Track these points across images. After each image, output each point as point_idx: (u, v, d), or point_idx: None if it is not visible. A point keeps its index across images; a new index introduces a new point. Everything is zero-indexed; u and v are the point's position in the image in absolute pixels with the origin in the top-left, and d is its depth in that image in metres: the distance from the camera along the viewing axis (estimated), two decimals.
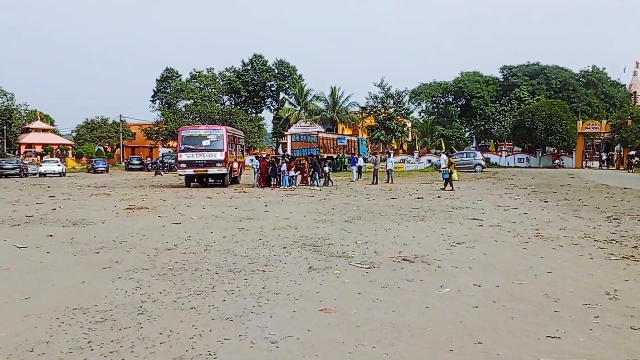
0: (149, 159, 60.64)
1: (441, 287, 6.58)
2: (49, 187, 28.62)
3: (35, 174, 46.66)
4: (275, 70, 74.82)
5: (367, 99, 60.85)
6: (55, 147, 71.65)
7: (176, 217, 13.91)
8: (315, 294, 6.34)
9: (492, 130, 64.47)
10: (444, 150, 45.25)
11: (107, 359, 4.36)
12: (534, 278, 7.09)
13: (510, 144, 66.34)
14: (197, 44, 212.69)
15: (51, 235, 10.84)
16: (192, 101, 70.13)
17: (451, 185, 23.34)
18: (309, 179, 27.89)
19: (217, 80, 75.70)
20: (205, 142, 26.84)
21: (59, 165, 48.18)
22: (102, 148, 75.07)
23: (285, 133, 61.19)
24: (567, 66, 67.68)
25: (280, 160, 28.84)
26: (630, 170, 43.12)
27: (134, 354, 4.45)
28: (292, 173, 27.56)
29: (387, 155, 36.34)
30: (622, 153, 54.04)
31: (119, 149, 78.07)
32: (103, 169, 52.98)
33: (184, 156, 26.93)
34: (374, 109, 60.03)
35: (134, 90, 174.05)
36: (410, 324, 5.23)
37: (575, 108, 59.69)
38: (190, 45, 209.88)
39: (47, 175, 45.88)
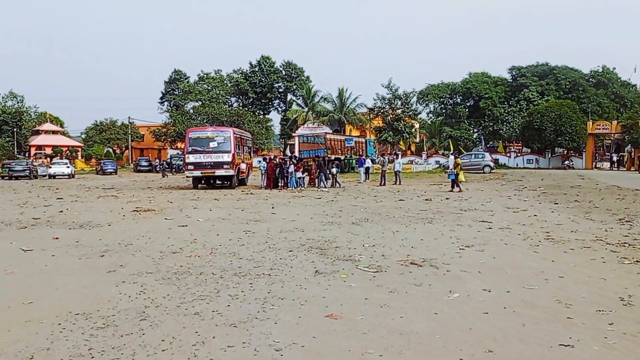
0: (157, 160, 60.80)
1: (450, 292, 6.44)
2: (57, 189, 28.68)
3: (44, 176, 46.86)
4: (283, 72, 74.77)
5: (374, 100, 60.72)
6: (64, 149, 71.96)
7: (182, 220, 13.83)
8: (321, 299, 6.22)
9: (501, 131, 64.03)
10: (452, 151, 45.01)
11: None
12: (545, 283, 6.94)
13: (519, 145, 65.87)
14: (204, 45, 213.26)
15: (57, 238, 10.79)
16: (200, 103, 70.21)
17: (458, 186, 23.18)
18: (316, 180, 27.77)
19: (225, 82, 75.77)
20: (212, 144, 26.80)
21: (68, 167, 48.40)
22: (111, 150, 75.33)
23: (293, 134, 61.14)
24: (577, 66, 67.21)
25: (288, 162, 28.74)
26: None
27: None
28: (299, 175, 27.45)
29: (394, 157, 36.19)
30: (633, 154, 53.50)
31: (127, 151, 78.31)
32: (112, 170, 53.14)
33: (191, 158, 26.90)
34: (382, 110, 59.82)
35: (142, 92, 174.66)
36: (419, 330, 5.11)
37: (585, 108, 59.19)
38: (198, 47, 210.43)
39: (57, 177, 46.07)
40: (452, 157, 25.41)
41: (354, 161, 44.02)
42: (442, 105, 68.01)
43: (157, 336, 4.93)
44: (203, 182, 28.32)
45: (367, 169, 33.80)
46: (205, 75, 75.56)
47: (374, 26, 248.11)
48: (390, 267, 7.88)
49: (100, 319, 5.46)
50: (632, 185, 25.94)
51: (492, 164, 44.91)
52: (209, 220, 13.77)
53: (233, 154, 26.70)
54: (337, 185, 27.66)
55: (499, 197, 20.10)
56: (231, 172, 26.93)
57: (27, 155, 67.52)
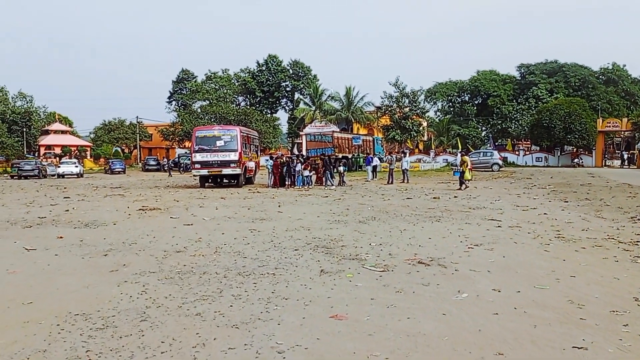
0: (165, 159, 60.90)
1: (459, 292, 6.27)
2: (65, 188, 28.71)
3: (53, 175, 47.01)
4: (290, 71, 74.63)
5: (382, 98, 60.30)
6: (73, 149, 72.26)
7: (188, 218, 13.73)
8: (326, 299, 6.07)
9: (509, 129, 63.53)
10: (460, 149, 44.71)
11: None
12: (556, 282, 6.76)
13: (528, 143, 65.39)
14: (211, 45, 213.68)
15: (61, 237, 10.71)
16: (208, 102, 70.22)
17: (462, 183, 23.03)
18: (323, 179, 27.62)
19: (232, 81, 75.77)
20: (219, 143, 26.70)
21: (76, 166, 48.54)
22: (119, 149, 75.55)
23: (300, 133, 61.05)
24: (586, 64, 66.64)
25: (295, 160, 28.60)
26: None
27: None
28: (307, 173, 27.30)
29: (402, 155, 35.93)
30: None
31: (136, 150, 78.49)
32: (120, 169, 53.23)
33: (198, 157, 26.82)
34: (389, 109, 59.48)
35: (150, 92, 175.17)
36: (426, 332, 4.95)
37: (594, 106, 58.66)
38: (205, 48, 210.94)
39: (65, 176, 46.21)
40: (459, 155, 25.23)
41: (361, 160, 43.86)
42: (450, 104, 67.60)
43: (156, 338, 4.80)
44: (210, 181, 28.26)
45: (375, 167, 33.63)
46: (212, 75, 75.60)
47: (382, 25, 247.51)
48: (397, 266, 7.72)
49: (99, 319, 5.34)
50: None
51: (500, 162, 44.58)
52: (215, 219, 13.66)
53: (240, 153, 26.60)
54: (343, 183, 27.51)
55: (508, 196, 19.86)
56: (238, 171, 26.83)
57: (36, 155, 67.85)
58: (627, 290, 6.33)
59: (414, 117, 59.73)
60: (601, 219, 12.81)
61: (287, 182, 27.23)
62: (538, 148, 60.12)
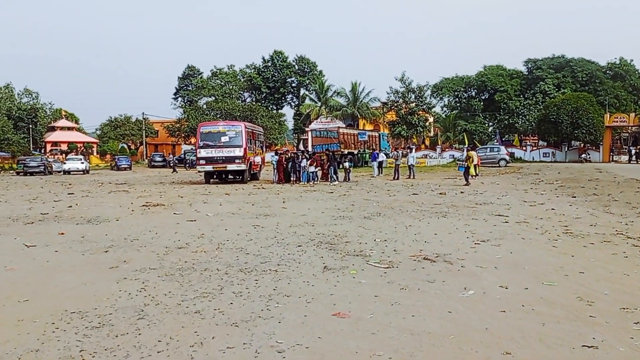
0: (171, 156, 60.93)
1: (465, 289, 6.11)
2: (70, 184, 28.69)
3: (59, 172, 47.09)
4: (296, 67, 74.45)
5: (388, 93, 59.97)
6: (80, 145, 72.45)
7: (191, 214, 13.61)
8: (329, 296, 5.93)
9: (517, 125, 63.06)
10: (467, 145, 44.42)
11: None
12: (565, 279, 6.59)
13: (535, 138, 64.94)
14: (218, 41, 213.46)
15: (62, 234, 10.61)
16: (213, 98, 70.14)
17: (466, 179, 22.85)
18: (328, 174, 27.47)
19: (238, 77, 75.63)
20: (224, 139, 26.57)
21: (82, 162, 48.59)
22: (125, 146, 75.68)
23: (306, 129, 60.87)
24: (594, 58, 66.02)
25: (300, 156, 28.44)
26: None
27: None
28: (312, 169, 27.13)
29: (408, 151, 35.73)
30: None
31: (142, 147, 78.60)
32: (126, 166, 53.27)
33: (203, 153, 26.70)
34: (396, 104, 59.18)
35: (156, 89, 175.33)
36: (431, 331, 4.79)
37: (602, 101, 58.13)
38: (211, 44, 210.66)
39: (71, 172, 46.26)
40: (465, 150, 25.04)
41: (367, 155, 43.66)
42: (457, 99, 67.15)
43: (153, 336, 4.68)
44: (215, 177, 28.15)
45: (381, 163, 33.43)
46: (218, 71, 75.46)
47: (388, 20, 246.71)
48: (402, 262, 7.57)
49: (96, 317, 5.21)
50: None
51: (507, 158, 44.26)
52: (218, 214, 13.54)
53: (245, 149, 26.46)
54: (348, 179, 27.34)
55: (515, 191, 19.65)
56: (243, 167, 26.70)
57: (42, 151, 68.04)
58: (638, 287, 6.17)
59: (420, 112, 59.39)
60: (609, 214, 12.60)
61: (292, 178, 27.09)
62: (545, 143, 59.66)
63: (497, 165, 41.71)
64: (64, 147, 71.03)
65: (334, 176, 26.78)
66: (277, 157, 27.98)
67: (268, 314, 5.27)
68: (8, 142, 58.96)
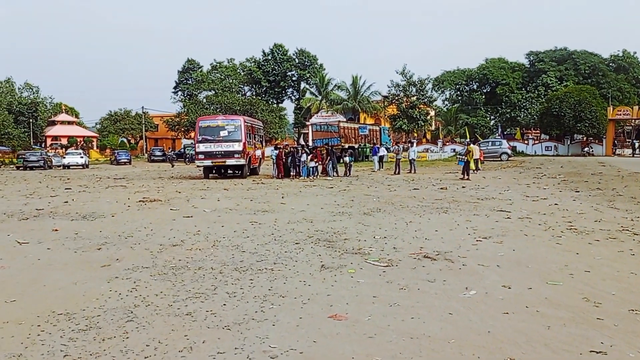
0: (171, 150, 60.71)
1: (466, 289, 5.91)
2: (68, 179, 28.50)
3: (59, 166, 46.95)
4: (296, 60, 74.12)
5: (389, 87, 59.59)
6: (80, 140, 72.25)
7: (188, 210, 13.41)
8: (325, 297, 5.73)
9: (518, 118, 62.73)
10: (468, 139, 44.16)
11: None
12: (570, 278, 6.38)
13: (537, 131, 64.60)
14: (218, 34, 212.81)
15: (56, 230, 10.41)
16: (213, 92, 69.85)
17: (466, 174, 22.63)
18: (327, 169, 27.26)
19: (238, 70, 75.30)
20: (223, 133, 26.29)
21: (82, 157, 48.42)
22: (125, 140, 75.50)
23: (307, 123, 60.65)
24: (596, 51, 65.69)
25: (300, 151, 28.20)
26: None
27: None
28: (312, 164, 26.90)
29: (409, 145, 35.47)
30: None
31: (142, 141, 78.41)
32: (126, 160, 53.06)
33: (201, 147, 26.45)
34: (397, 98, 58.83)
35: (156, 82, 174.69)
36: (431, 334, 4.59)
37: (605, 94, 57.80)
38: (211, 36, 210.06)
39: (71, 167, 46.13)
40: (466, 144, 24.81)
41: (368, 150, 43.42)
42: (458, 92, 66.89)
43: (141, 340, 4.48)
44: (214, 171, 27.93)
45: (381, 157, 33.22)
46: (218, 65, 75.14)
47: (389, 12, 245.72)
48: (401, 260, 7.36)
49: (83, 319, 5.01)
50: None
51: (509, 152, 44.06)
52: (216, 210, 13.33)
53: (244, 143, 26.22)
54: (349, 174, 27.11)
55: (517, 186, 19.42)
56: (242, 162, 26.45)
57: (43, 145, 67.84)
58: None
59: (422, 106, 59.02)
60: (614, 210, 12.39)
61: (292, 173, 26.87)
62: (547, 137, 59.40)
63: (499, 159, 41.50)
64: (64, 141, 70.84)
65: (331, 171, 26.59)
66: (276, 151, 27.74)
67: (262, 316, 5.08)
68: (8, 137, 58.81)
